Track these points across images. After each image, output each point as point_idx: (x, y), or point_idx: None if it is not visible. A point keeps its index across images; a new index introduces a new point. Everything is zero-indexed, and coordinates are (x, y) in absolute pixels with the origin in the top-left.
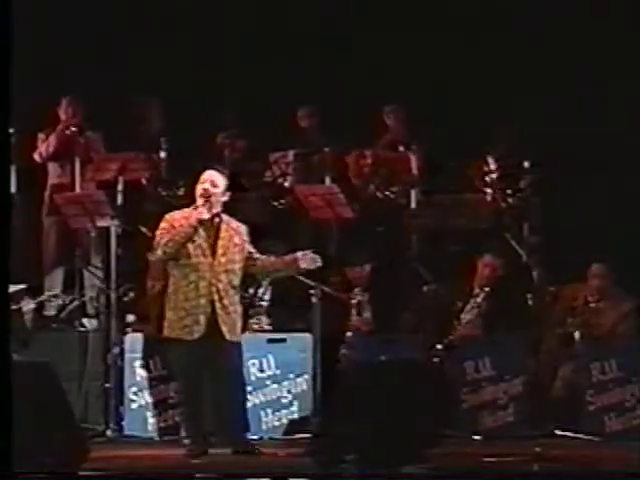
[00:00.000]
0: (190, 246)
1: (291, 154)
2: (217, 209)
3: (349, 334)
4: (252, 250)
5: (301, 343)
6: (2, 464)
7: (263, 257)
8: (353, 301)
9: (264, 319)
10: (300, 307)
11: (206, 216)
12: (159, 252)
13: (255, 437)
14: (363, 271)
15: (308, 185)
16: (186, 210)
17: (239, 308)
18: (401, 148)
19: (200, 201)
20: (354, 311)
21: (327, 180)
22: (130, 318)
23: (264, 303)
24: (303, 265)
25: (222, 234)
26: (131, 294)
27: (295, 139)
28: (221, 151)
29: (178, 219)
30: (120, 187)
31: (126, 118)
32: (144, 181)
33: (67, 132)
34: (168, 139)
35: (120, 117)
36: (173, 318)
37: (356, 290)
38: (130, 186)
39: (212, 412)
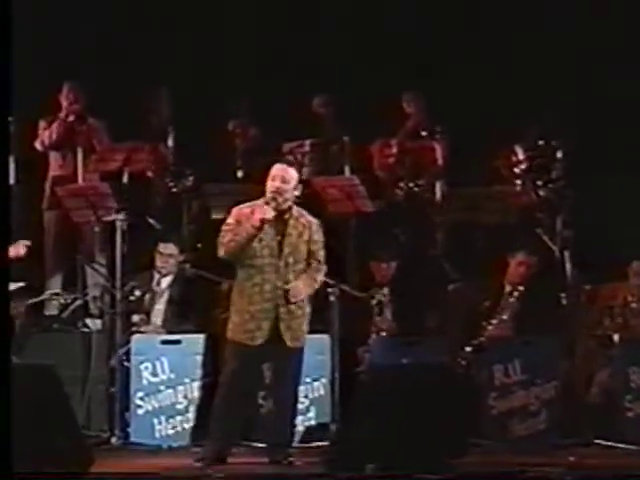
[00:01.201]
0: (256, 245)
1: (307, 144)
2: (286, 205)
3: (370, 336)
4: (315, 249)
5: (318, 345)
6: (2, 464)
7: (322, 267)
8: (374, 300)
9: None
10: (317, 307)
11: (270, 216)
12: (221, 252)
13: None
14: (385, 268)
15: (326, 177)
16: (257, 203)
17: (308, 310)
18: (424, 137)
19: (269, 198)
20: (375, 311)
21: (346, 171)
22: (136, 318)
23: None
24: (301, 293)
25: (290, 231)
26: (137, 292)
27: (311, 128)
28: (232, 140)
29: (246, 214)
30: (125, 179)
31: (131, 105)
32: (150, 173)
33: (69, 120)
34: (175, 128)
35: (125, 104)
36: (237, 321)
37: (377, 289)
38: (136, 178)
39: (268, 424)
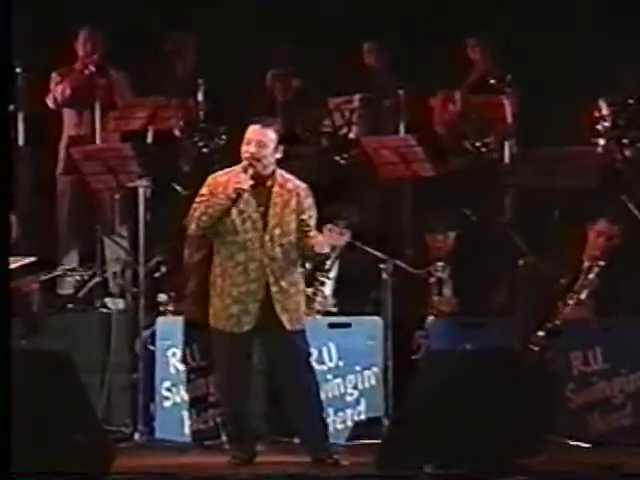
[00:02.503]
0: (236, 219)
1: (356, 98)
2: (267, 172)
3: (428, 318)
4: (306, 217)
5: (369, 329)
6: (2, 464)
7: (313, 233)
8: (432, 277)
9: (330, 299)
10: (368, 285)
11: (246, 185)
12: (192, 226)
13: None
14: (445, 241)
15: (378, 136)
16: (235, 169)
17: (302, 286)
18: (491, 89)
19: (245, 166)
20: (434, 289)
21: (401, 130)
22: (162, 297)
23: (328, 280)
24: (324, 246)
25: (275, 199)
26: (163, 269)
27: (361, 80)
28: (271, 94)
29: (223, 183)
30: (150, 139)
31: (156, 55)
32: (178, 131)
33: (86, 72)
34: (206, 80)
35: (149, 54)
36: (219, 306)
37: (436, 264)
38: (161, 138)
39: (291, 418)
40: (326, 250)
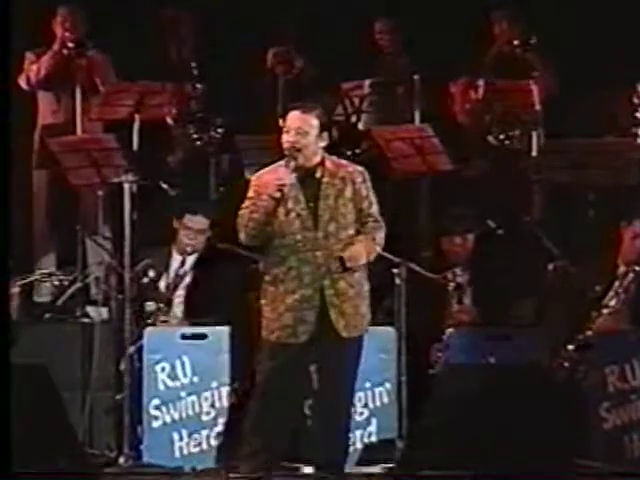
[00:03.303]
0: (283, 219)
1: (367, 84)
2: (314, 162)
3: (446, 328)
4: (364, 206)
5: (381, 341)
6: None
7: (380, 225)
8: (451, 283)
9: None
10: (379, 291)
11: (289, 181)
12: (241, 236)
13: None
14: (465, 243)
15: (391, 126)
16: (281, 163)
17: (366, 287)
18: (517, 71)
19: (286, 158)
20: (452, 297)
21: (417, 119)
22: (151, 306)
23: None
24: (361, 257)
25: (326, 191)
26: (151, 273)
27: (372, 63)
28: (272, 75)
29: (266, 182)
30: (137, 128)
31: (145, 34)
32: (170, 120)
33: (64, 51)
34: (202, 63)
35: (137, 33)
36: (271, 316)
37: (455, 269)
38: (150, 127)
39: (314, 432)
40: (362, 262)
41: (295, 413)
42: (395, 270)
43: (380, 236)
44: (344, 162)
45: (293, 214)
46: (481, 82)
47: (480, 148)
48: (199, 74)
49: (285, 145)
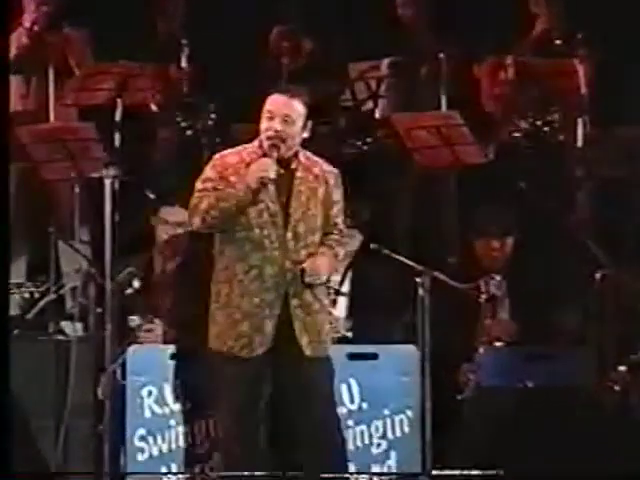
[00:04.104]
0: (251, 210)
1: (385, 64)
2: (290, 153)
3: (478, 346)
4: (333, 213)
5: (401, 361)
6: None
7: (344, 240)
8: (484, 294)
9: (342, 322)
10: (400, 304)
11: (274, 174)
12: (196, 220)
13: None
14: (500, 248)
15: (413, 113)
16: (248, 148)
17: (327, 302)
18: (559, 51)
19: (267, 147)
20: (486, 310)
21: (443, 104)
22: (135, 320)
23: (339, 296)
24: (321, 271)
25: (299, 187)
26: (136, 283)
27: (392, 40)
28: (276, 57)
29: (234, 165)
30: (119, 116)
31: (127, 7)
32: (155, 107)
33: (35, 28)
34: (192, 41)
35: (117, 6)
36: (223, 322)
37: (489, 277)
38: (134, 114)
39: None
40: (323, 278)
41: (250, 431)
42: (418, 279)
43: (342, 253)
44: (318, 159)
45: (262, 206)
46: (514, 61)
47: (515, 138)
48: (189, 53)
49: (268, 134)
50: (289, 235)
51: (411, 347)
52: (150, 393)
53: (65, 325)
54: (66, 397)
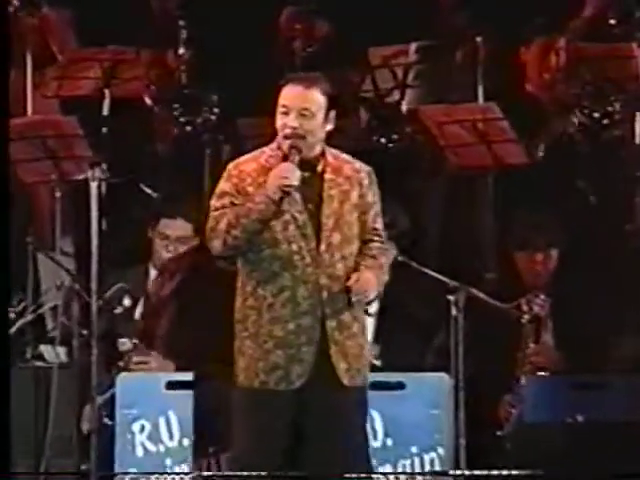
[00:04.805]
0: (275, 223)
1: (413, 48)
2: (315, 152)
3: (520, 375)
4: (369, 218)
5: (432, 391)
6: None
7: (386, 246)
8: (527, 315)
9: (369, 347)
10: (430, 325)
11: (297, 180)
12: (216, 245)
13: None
14: (545, 261)
15: (446, 105)
16: (266, 151)
17: (366, 323)
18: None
19: (285, 147)
20: (529, 333)
21: (480, 95)
22: (126, 344)
23: (370, 318)
24: (370, 289)
25: (329, 191)
26: (126, 301)
27: (421, 21)
28: (287, 41)
29: (252, 174)
30: (106, 109)
31: None
32: (148, 99)
33: (9, 9)
34: (191, 22)
35: None
36: (252, 354)
37: (532, 295)
38: (124, 108)
39: None
40: (372, 296)
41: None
42: (451, 297)
43: (387, 263)
44: (347, 157)
45: (288, 217)
46: (562, 44)
47: (564, 133)
48: (189, 37)
49: (285, 132)
50: (322, 248)
51: (443, 375)
52: (142, 428)
53: (45, 350)
54: (46, 432)
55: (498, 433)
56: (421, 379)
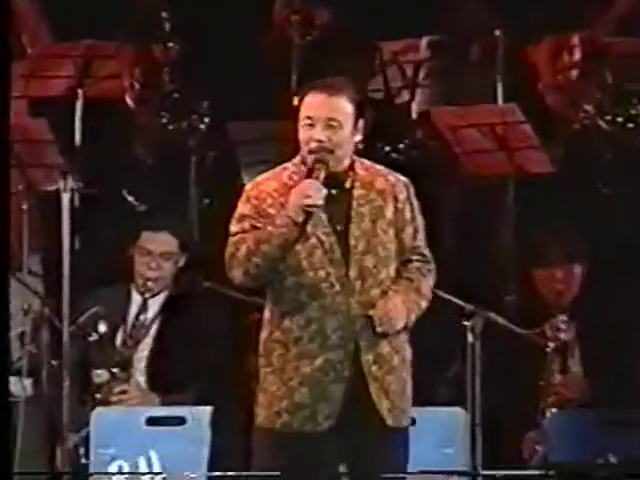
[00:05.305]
0: (299, 247)
1: (424, 43)
2: (343, 166)
3: (544, 409)
4: (407, 235)
5: (445, 428)
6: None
7: (430, 267)
8: (550, 343)
9: None
10: (443, 354)
11: (322, 200)
12: (237, 274)
13: None
14: (569, 279)
15: (462, 107)
16: (289, 168)
17: (409, 354)
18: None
19: (310, 162)
20: (553, 362)
21: (499, 95)
22: (102, 375)
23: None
24: (398, 320)
25: (359, 209)
26: (102, 327)
27: (434, 13)
28: (282, 33)
29: (273, 194)
30: (80, 111)
31: None
32: (131, 101)
33: None
34: (178, 14)
35: None
36: (276, 391)
37: (557, 319)
38: (102, 110)
39: None
40: (401, 325)
41: None
42: (466, 322)
43: (429, 284)
44: (381, 168)
45: (314, 240)
46: (578, 40)
47: (589, 138)
48: (174, 31)
49: (311, 146)
50: (353, 273)
51: (458, 410)
52: (120, 469)
53: (11, 382)
54: (11, 476)
55: (521, 472)
56: (433, 414)
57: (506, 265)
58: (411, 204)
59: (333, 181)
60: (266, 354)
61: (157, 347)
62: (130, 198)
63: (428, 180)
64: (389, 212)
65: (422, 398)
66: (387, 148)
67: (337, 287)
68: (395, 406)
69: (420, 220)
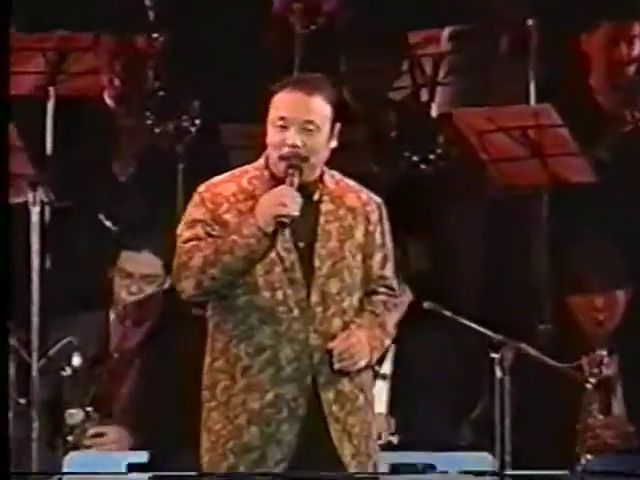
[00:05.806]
0: (258, 265)
1: (446, 35)
2: (313, 176)
3: (582, 454)
4: (375, 263)
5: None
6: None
7: (395, 301)
8: (591, 379)
9: (384, 420)
10: (467, 391)
11: (297, 211)
12: (187, 287)
13: None
14: (611, 307)
15: (486, 108)
16: (249, 171)
17: (375, 393)
18: None
19: (281, 169)
20: (594, 401)
21: (532, 95)
22: (76, 415)
23: (379, 382)
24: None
25: (326, 226)
26: (76, 360)
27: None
28: (282, 26)
29: (229, 197)
30: (51, 112)
31: None
32: (110, 101)
33: None
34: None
35: None
36: (221, 430)
37: (597, 353)
38: (77, 111)
39: None
40: (362, 363)
41: None
42: (494, 355)
43: (393, 321)
44: (352, 183)
45: (272, 256)
46: (636, 32)
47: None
48: (159, 20)
49: (283, 151)
50: (314, 298)
51: (485, 455)
52: None
53: None
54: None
55: None
56: (456, 460)
57: (539, 290)
58: (382, 227)
59: (301, 191)
60: (209, 386)
61: (140, 383)
62: (108, 213)
63: (450, 193)
64: (359, 233)
65: (444, 442)
66: (414, 157)
67: (295, 312)
68: (359, 452)
69: (390, 247)
